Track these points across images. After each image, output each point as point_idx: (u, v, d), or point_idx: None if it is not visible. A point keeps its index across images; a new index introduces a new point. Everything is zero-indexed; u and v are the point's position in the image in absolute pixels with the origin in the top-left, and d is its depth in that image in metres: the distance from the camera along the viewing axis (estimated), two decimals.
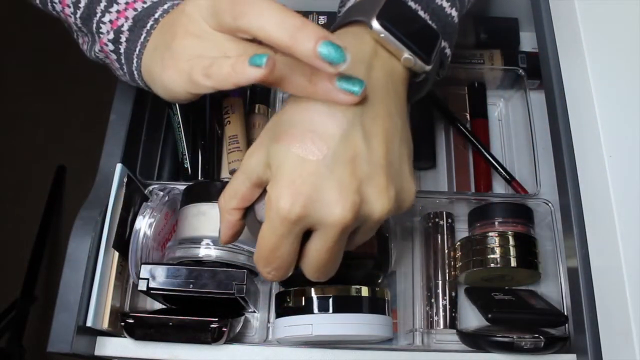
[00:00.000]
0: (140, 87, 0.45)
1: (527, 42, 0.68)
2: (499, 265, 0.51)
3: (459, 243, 0.55)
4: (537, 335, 0.45)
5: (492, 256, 0.51)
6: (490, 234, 0.52)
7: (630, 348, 0.36)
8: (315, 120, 0.34)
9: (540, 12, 0.52)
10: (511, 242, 0.51)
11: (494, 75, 0.64)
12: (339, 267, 0.37)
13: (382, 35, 0.36)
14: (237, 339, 0.51)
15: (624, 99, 0.42)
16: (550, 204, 0.54)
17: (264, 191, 0.36)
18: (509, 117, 0.65)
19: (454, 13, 0.43)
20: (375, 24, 0.36)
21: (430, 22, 0.41)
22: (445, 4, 0.43)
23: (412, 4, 0.41)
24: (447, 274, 0.55)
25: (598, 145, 0.41)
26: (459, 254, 0.55)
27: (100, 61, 0.46)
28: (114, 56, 0.43)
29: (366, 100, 0.34)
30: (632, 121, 0.41)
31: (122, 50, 0.43)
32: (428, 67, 0.38)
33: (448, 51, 0.44)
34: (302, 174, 0.32)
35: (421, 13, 0.41)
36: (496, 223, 0.54)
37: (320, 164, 0.32)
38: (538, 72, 0.56)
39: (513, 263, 0.51)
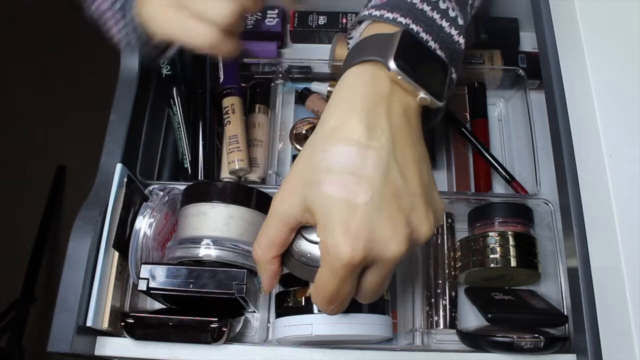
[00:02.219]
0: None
1: (527, 42, 0.68)
2: (499, 265, 0.51)
3: (458, 243, 0.55)
4: (537, 335, 0.45)
5: (492, 256, 0.51)
6: (490, 234, 0.52)
7: (630, 348, 0.36)
8: (352, 162, 0.35)
9: (540, 12, 0.52)
10: (511, 242, 0.51)
11: (494, 75, 0.64)
12: None
13: (400, 77, 0.38)
14: (237, 339, 0.51)
15: (624, 99, 0.42)
16: (550, 204, 0.54)
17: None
18: (509, 117, 0.65)
19: (462, 40, 0.45)
20: (392, 65, 0.38)
21: (440, 52, 0.43)
22: (454, 32, 0.44)
23: (423, 35, 0.42)
24: (447, 274, 0.55)
25: (598, 145, 0.41)
26: (458, 254, 0.55)
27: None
28: None
29: (394, 137, 0.37)
30: (632, 121, 0.41)
31: None
32: (441, 104, 0.40)
33: (454, 76, 0.45)
34: (355, 218, 0.34)
35: (432, 44, 0.42)
36: (496, 223, 0.54)
37: (369, 206, 0.34)
38: (538, 72, 0.56)
39: (513, 263, 0.51)
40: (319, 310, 0.46)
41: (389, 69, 0.38)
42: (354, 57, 0.40)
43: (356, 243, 0.34)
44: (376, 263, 0.35)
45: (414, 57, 0.39)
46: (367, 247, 0.34)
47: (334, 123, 0.37)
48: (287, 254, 0.39)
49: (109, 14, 0.48)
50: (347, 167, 0.35)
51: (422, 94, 0.39)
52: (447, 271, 0.55)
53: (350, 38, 0.48)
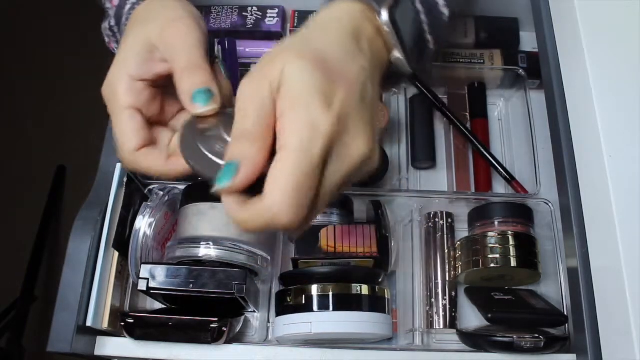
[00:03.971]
0: None
1: (527, 42, 0.68)
2: (499, 266, 0.51)
3: (459, 243, 0.55)
4: (537, 335, 0.45)
5: (492, 256, 0.51)
6: (490, 233, 0.52)
7: (630, 348, 0.36)
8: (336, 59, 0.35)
9: (540, 12, 0.52)
10: (511, 242, 0.51)
11: (494, 75, 0.64)
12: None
13: (387, 29, 0.38)
14: (237, 338, 0.51)
15: (624, 99, 0.42)
16: (550, 204, 0.54)
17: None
18: (509, 117, 0.65)
19: (446, 12, 0.43)
20: (384, 16, 0.37)
21: (423, 17, 0.42)
22: (440, 1, 0.43)
23: None
24: (447, 274, 0.55)
25: (598, 145, 0.41)
26: (459, 254, 0.55)
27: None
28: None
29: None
30: (632, 121, 0.41)
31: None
32: (410, 71, 0.40)
33: (431, 45, 0.43)
34: (336, 98, 0.33)
35: (418, 5, 0.41)
36: (496, 223, 0.54)
37: (350, 99, 0.34)
38: (538, 72, 0.56)
39: (513, 263, 0.51)
40: (318, 309, 0.46)
41: (379, 14, 0.37)
42: None
43: (336, 118, 0.32)
44: (339, 156, 0.33)
45: (403, 16, 0.38)
46: (341, 128, 0.32)
47: (325, 31, 0.36)
48: (190, 143, 0.36)
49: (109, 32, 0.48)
50: (336, 53, 0.34)
51: (397, 54, 0.39)
52: (447, 271, 0.55)
53: None
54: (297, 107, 0.32)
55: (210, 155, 0.35)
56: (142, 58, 0.39)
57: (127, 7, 0.44)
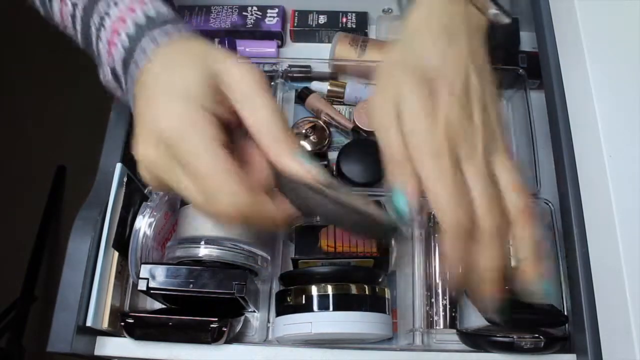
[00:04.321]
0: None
1: (527, 42, 0.68)
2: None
3: None
4: (537, 335, 0.45)
5: None
6: None
7: (630, 348, 0.36)
8: (433, 63, 0.40)
9: (540, 12, 0.52)
10: (511, 242, 0.51)
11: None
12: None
13: None
14: (237, 338, 0.51)
15: (624, 99, 0.42)
16: (550, 204, 0.54)
17: None
18: (509, 117, 0.65)
19: None
20: None
21: None
22: None
23: None
24: (447, 274, 0.55)
25: (598, 145, 0.41)
26: None
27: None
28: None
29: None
30: (632, 121, 0.41)
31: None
32: (508, 20, 0.43)
33: None
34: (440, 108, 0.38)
35: None
36: None
37: (453, 100, 0.38)
38: (538, 72, 0.56)
39: (513, 262, 0.51)
40: (318, 309, 0.46)
41: None
42: None
43: (446, 130, 0.36)
44: (465, 153, 0.37)
45: None
46: (454, 136, 0.36)
47: (417, 23, 0.41)
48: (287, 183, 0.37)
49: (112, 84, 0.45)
50: (432, 65, 0.39)
51: (493, 10, 0.43)
52: (447, 271, 0.55)
53: None
54: (414, 131, 0.37)
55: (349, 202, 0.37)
56: (210, 95, 0.37)
57: (143, 45, 0.40)
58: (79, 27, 0.44)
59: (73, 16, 0.44)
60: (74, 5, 0.43)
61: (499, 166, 0.38)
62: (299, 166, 0.36)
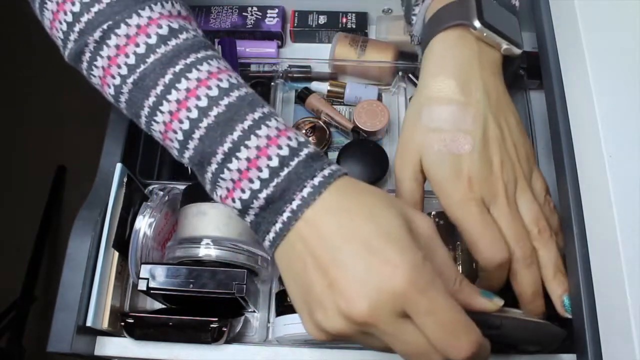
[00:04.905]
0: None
1: (527, 42, 0.68)
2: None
3: (458, 243, 0.55)
4: None
5: None
6: None
7: (630, 348, 0.36)
8: (455, 119, 0.42)
9: (540, 12, 0.52)
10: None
11: None
12: None
13: (485, 34, 0.44)
14: (237, 339, 0.51)
15: (624, 99, 0.42)
16: None
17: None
18: None
19: (517, 3, 0.50)
20: (477, 24, 0.43)
21: (505, 8, 0.48)
22: None
23: None
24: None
25: (598, 145, 0.41)
26: (459, 253, 0.54)
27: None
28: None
29: (487, 90, 0.43)
30: (632, 121, 0.41)
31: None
32: (520, 51, 0.46)
33: (517, 5, 0.50)
34: (464, 165, 0.42)
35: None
36: None
37: (474, 154, 0.41)
38: (538, 72, 0.56)
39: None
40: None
41: (474, 28, 0.43)
42: (435, 26, 0.45)
43: (468, 185, 0.40)
44: (494, 199, 0.41)
45: (491, 14, 0.44)
46: (478, 187, 0.40)
47: (435, 86, 0.43)
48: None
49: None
50: (451, 124, 0.41)
51: (505, 45, 0.45)
52: None
53: (414, 14, 0.51)
54: (440, 192, 0.42)
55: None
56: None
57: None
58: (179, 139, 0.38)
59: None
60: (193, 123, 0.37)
61: (520, 201, 0.43)
62: (488, 301, 0.37)
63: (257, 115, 0.37)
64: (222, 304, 0.48)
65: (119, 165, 0.50)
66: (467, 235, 0.41)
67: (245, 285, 0.46)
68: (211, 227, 0.48)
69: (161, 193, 0.53)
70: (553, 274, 0.42)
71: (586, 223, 0.43)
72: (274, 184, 0.35)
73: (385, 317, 0.32)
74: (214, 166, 0.36)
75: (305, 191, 0.35)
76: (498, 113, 0.43)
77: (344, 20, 0.69)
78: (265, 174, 0.35)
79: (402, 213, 0.35)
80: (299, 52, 0.69)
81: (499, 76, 0.45)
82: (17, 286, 1.30)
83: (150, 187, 0.55)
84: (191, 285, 0.46)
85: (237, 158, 0.35)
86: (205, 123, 0.36)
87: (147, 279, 0.46)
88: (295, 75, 0.66)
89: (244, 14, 0.68)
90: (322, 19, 0.69)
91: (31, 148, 1.50)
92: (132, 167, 0.53)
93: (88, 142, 0.88)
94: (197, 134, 0.36)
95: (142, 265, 0.47)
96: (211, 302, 0.47)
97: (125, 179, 0.50)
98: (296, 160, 0.36)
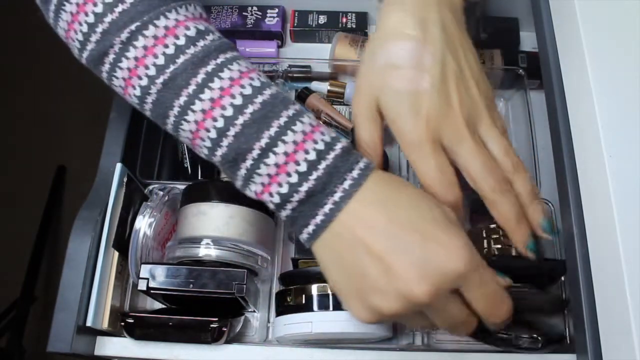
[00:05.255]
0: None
1: (527, 42, 0.68)
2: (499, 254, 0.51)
3: None
4: (535, 335, 0.45)
5: (495, 246, 0.51)
6: (492, 225, 0.52)
7: (630, 348, 0.36)
8: (412, 57, 0.40)
9: (540, 12, 0.52)
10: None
11: (494, 75, 0.64)
12: None
13: None
14: (237, 339, 0.51)
15: (624, 99, 0.42)
16: (550, 204, 0.54)
17: None
18: (509, 117, 0.65)
19: None
20: None
21: None
22: None
23: None
24: None
25: (598, 145, 0.41)
26: None
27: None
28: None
29: (444, 27, 0.42)
30: (632, 121, 0.41)
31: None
32: None
33: None
34: (422, 104, 0.40)
35: None
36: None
37: (432, 92, 0.40)
38: (538, 72, 0.56)
39: (514, 254, 0.50)
40: (318, 308, 0.46)
41: None
42: None
43: (426, 123, 0.39)
44: (456, 136, 0.40)
45: None
46: (435, 124, 0.39)
47: (391, 23, 0.41)
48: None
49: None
50: (408, 61, 0.40)
51: None
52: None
53: None
54: (397, 130, 0.40)
55: None
56: None
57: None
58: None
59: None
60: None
61: (486, 137, 0.42)
62: (502, 280, 0.40)
63: (290, 112, 0.38)
64: (222, 304, 0.48)
65: (119, 165, 0.50)
66: (420, 175, 0.40)
67: (245, 285, 0.46)
68: (211, 227, 0.48)
69: (161, 193, 0.53)
70: (530, 201, 0.42)
71: (586, 223, 0.43)
72: (314, 177, 0.36)
73: (442, 296, 0.36)
74: (249, 162, 0.37)
75: (347, 184, 0.37)
76: (456, 50, 0.42)
77: (344, 20, 0.69)
78: (303, 168, 0.36)
79: (435, 202, 0.38)
80: (299, 52, 0.69)
81: (458, 16, 0.43)
82: (17, 286, 1.30)
83: (150, 187, 0.55)
84: (191, 285, 0.46)
85: (275, 153, 0.37)
86: (241, 120, 0.37)
87: (147, 279, 0.46)
88: (295, 75, 0.65)
89: (243, 13, 0.68)
90: (322, 19, 0.69)
91: (31, 148, 1.50)
92: (132, 167, 0.53)
93: (88, 142, 0.88)
94: (232, 132, 0.37)
95: (142, 265, 0.47)
96: (211, 302, 0.47)
97: (125, 179, 0.50)
98: (332, 154, 0.37)
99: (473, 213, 0.56)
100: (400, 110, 0.40)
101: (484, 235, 0.52)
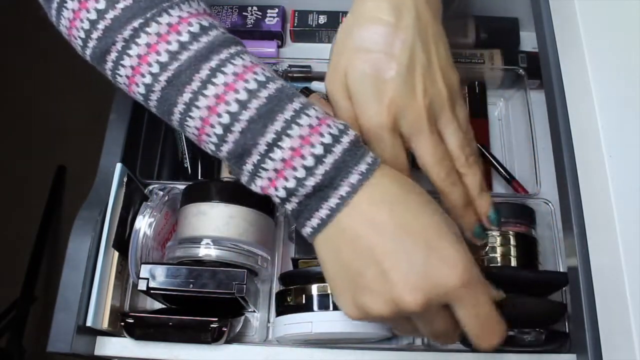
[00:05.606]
0: None
1: (527, 42, 0.68)
2: (499, 265, 0.51)
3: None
4: (538, 329, 0.45)
5: (492, 255, 0.51)
6: (493, 233, 0.52)
7: (630, 348, 0.36)
8: (383, 41, 0.41)
9: (540, 12, 0.52)
10: (512, 242, 0.51)
11: (494, 75, 0.64)
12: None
13: None
14: (237, 339, 0.51)
15: (624, 99, 0.42)
16: (550, 204, 0.54)
17: None
18: (509, 117, 0.65)
19: None
20: None
21: None
22: None
23: None
24: None
25: (598, 145, 0.41)
26: None
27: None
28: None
29: (418, 15, 0.42)
30: (632, 121, 0.41)
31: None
32: None
33: None
34: (386, 91, 0.40)
35: None
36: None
37: (398, 79, 0.40)
38: (538, 72, 0.56)
39: (513, 263, 0.51)
40: (318, 308, 0.46)
41: None
42: None
43: (388, 110, 0.39)
44: (416, 126, 0.40)
45: None
46: (396, 112, 0.40)
47: (366, 7, 0.42)
48: None
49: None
50: (378, 45, 0.40)
51: None
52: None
53: None
54: (359, 112, 0.41)
55: None
56: None
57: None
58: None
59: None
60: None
61: (444, 130, 0.42)
62: (496, 292, 0.39)
63: (296, 105, 0.38)
64: (222, 304, 0.48)
65: (119, 165, 0.50)
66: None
67: (245, 285, 0.46)
68: (211, 227, 0.48)
69: (161, 193, 0.53)
70: (478, 193, 0.43)
71: (586, 223, 0.43)
72: (320, 172, 0.36)
73: (433, 308, 0.36)
74: (255, 157, 0.37)
75: (354, 178, 0.37)
76: (427, 40, 0.42)
77: (344, 20, 0.68)
78: (309, 162, 0.36)
79: (442, 211, 0.38)
80: (299, 52, 0.69)
81: (433, 5, 0.44)
82: (17, 286, 1.30)
83: (150, 187, 0.55)
84: (191, 285, 0.46)
85: (281, 148, 0.36)
86: (246, 116, 0.37)
87: (147, 279, 0.46)
88: (295, 75, 0.65)
89: (243, 13, 0.68)
90: (322, 19, 0.69)
91: (31, 148, 1.50)
92: (132, 167, 0.53)
93: (88, 142, 0.88)
94: (237, 127, 0.37)
95: (142, 265, 0.47)
96: (211, 302, 0.47)
97: (125, 179, 0.50)
98: (339, 147, 0.37)
99: None
100: (364, 94, 0.40)
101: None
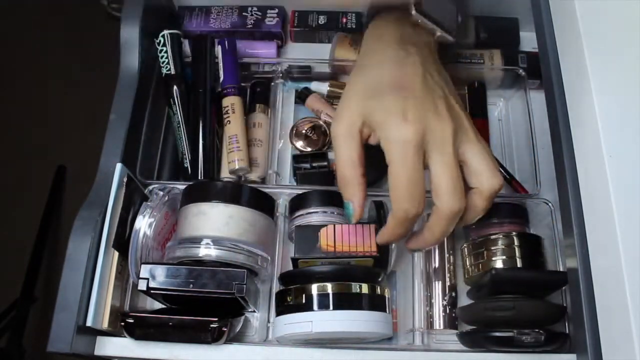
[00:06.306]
0: None
1: (527, 42, 0.68)
2: (504, 267, 0.51)
3: (465, 246, 0.55)
4: (537, 330, 0.45)
5: (496, 258, 0.51)
6: (493, 236, 0.52)
7: (630, 348, 0.36)
8: (398, 74, 0.46)
9: (540, 12, 0.52)
10: (516, 242, 0.51)
11: (494, 75, 0.64)
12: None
13: (420, 20, 0.49)
14: (237, 339, 0.51)
15: (624, 99, 0.42)
16: (550, 204, 0.54)
17: None
18: (509, 117, 0.65)
19: None
20: (413, 12, 0.49)
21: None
22: None
23: None
24: (447, 274, 0.55)
25: (598, 145, 0.41)
26: (465, 256, 0.54)
27: None
28: None
29: (422, 55, 0.47)
30: (632, 121, 0.41)
31: None
32: (453, 39, 0.52)
33: (460, 19, 0.54)
34: (408, 110, 0.43)
35: None
36: (500, 224, 0.53)
37: (417, 100, 0.44)
38: (538, 72, 0.56)
39: (519, 264, 0.51)
40: (318, 308, 0.46)
41: (411, 15, 0.49)
42: (379, 8, 0.52)
43: (414, 125, 0.42)
44: (434, 143, 0.43)
45: (430, 3, 0.49)
46: (422, 128, 0.42)
47: (377, 52, 0.48)
48: None
49: None
50: (391, 81, 0.45)
51: (439, 33, 0.51)
52: (447, 271, 0.55)
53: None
54: (385, 133, 0.43)
55: None
56: None
57: None
58: None
59: None
60: None
61: (467, 154, 0.44)
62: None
63: None
64: (222, 304, 0.48)
65: (119, 165, 0.50)
66: (392, 177, 0.43)
67: (245, 285, 0.46)
68: (211, 227, 0.48)
69: (161, 193, 0.53)
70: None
71: (586, 223, 0.43)
72: None
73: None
74: None
75: None
76: (432, 71, 0.47)
77: (344, 20, 0.69)
78: None
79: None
80: (299, 52, 0.70)
81: (433, 53, 0.49)
82: (17, 286, 1.30)
83: (150, 187, 0.55)
84: (191, 285, 0.46)
85: None
86: None
87: (147, 279, 0.46)
88: (295, 75, 0.66)
89: (244, 14, 0.68)
90: (322, 19, 0.69)
91: (31, 148, 1.50)
92: (132, 167, 0.53)
93: (88, 142, 0.88)
94: None
95: (142, 265, 0.47)
96: (211, 302, 0.47)
97: (125, 179, 0.50)
98: None
99: (472, 225, 0.56)
100: (388, 117, 0.43)
101: (484, 246, 0.53)
